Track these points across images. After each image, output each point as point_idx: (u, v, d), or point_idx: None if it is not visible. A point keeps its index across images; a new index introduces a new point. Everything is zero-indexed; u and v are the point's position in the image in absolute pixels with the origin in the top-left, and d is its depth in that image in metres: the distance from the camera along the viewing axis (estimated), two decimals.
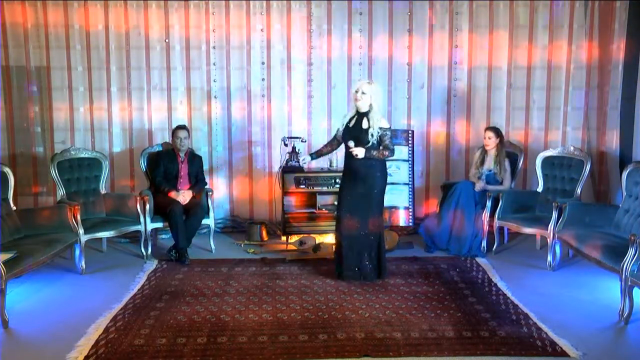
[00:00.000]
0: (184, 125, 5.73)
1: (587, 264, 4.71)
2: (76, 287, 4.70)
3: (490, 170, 5.65)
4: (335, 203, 5.83)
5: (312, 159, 5.01)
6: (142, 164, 5.78)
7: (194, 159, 5.73)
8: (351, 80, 6.26)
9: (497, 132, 5.70)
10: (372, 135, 4.57)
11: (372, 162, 4.62)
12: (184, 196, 5.43)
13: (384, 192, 4.77)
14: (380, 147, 4.60)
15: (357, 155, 4.52)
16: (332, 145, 4.99)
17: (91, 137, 6.26)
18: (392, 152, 4.65)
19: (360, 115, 4.65)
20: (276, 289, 4.55)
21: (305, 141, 6.11)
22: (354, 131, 4.64)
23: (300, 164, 5.34)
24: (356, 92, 4.61)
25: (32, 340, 3.69)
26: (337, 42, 6.26)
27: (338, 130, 4.86)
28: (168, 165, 5.57)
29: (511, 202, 5.48)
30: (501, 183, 5.65)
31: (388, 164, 5.87)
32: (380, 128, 4.58)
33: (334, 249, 4.92)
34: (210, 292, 4.50)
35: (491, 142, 5.66)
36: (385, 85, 6.31)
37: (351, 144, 4.59)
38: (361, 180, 4.64)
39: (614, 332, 3.82)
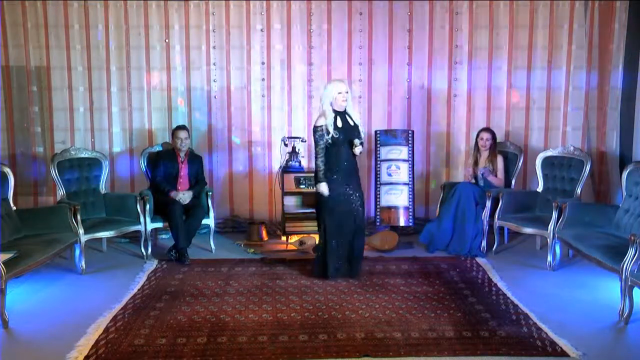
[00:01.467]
0: (184, 126, 5.72)
1: (587, 264, 4.71)
2: (76, 287, 4.70)
3: (485, 167, 5.70)
4: None
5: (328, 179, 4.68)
6: (142, 164, 5.78)
7: (194, 160, 5.72)
8: (351, 81, 6.25)
9: (492, 132, 5.76)
10: (362, 132, 4.76)
11: (356, 158, 4.76)
12: (184, 196, 5.43)
13: None
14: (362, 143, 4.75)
15: (361, 152, 4.65)
16: (326, 155, 4.66)
17: (91, 137, 6.26)
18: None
19: (340, 115, 4.63)
20: (276, 289, 4.55)
21: (305, 141, 6.11)
22: (350, 131, 4.64)
23: (324, 192, 4.65)
24: (339, 93, 4.57)
25: (32, 340, 3.69)
26: (337, 42, 6.26)
27: (326, 136, 4.56)
28: (168, 165, 5.56)
29: (511, 202, 5.49)
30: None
31: (387, 164, 5.93)
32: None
33: (319, 250, 4.81)
34: (210, 292, 4.50)
35: (487, 143, 5.70)
36: (385, 85, 6.31)
37: (357, 141, 4.59)
38: (356, 178, 4.77)
39: (614, 332, 3.82)
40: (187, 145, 5.64)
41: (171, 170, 5.55)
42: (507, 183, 5.80)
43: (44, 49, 6.08)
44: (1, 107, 6.10)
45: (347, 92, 4.60)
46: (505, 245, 5.77)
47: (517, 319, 3.94)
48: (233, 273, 4.96)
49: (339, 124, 4.61)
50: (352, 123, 4.68)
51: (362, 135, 4.78)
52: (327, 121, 4.59)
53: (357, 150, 4.61)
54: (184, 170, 5.61)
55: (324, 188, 4.64)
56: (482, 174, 5.68)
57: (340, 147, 4.63)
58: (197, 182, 5.67)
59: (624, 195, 4.82)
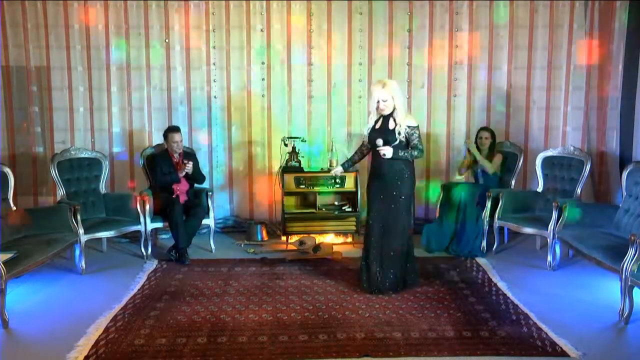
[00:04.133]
0: (177, 127, 5.64)
1: (587, 264, 4.71)
2: (76, 287, 4.70)
3: (482, 167, 5.72)
4: (336, 203, 5.89)
5: (345, 168, 4.75)
6: (142, 164, 5.77)
7: (189, 158, 5.64)
8: (351, 81, 6.26)
9: (491, 132, 5.80)
10: (399, 133, 4.31)
11: (402, 163, 4.36)
12: (189, 167, 5.42)
13: (412, 197, 4.54)
14: (409, 147, 4.34)
15: (384, 155, 4.25)
16: (362, 152, 4.71)
17: (91, 137, 6.26)
18: (422, 151, 4.40)
19: (385, 117, 4.42)
20: (276, 289, 4.55)
21: (305, 141, 6.11)
22: (381, 132, 4.37)
23: (336, 174, 4.83)
24: (377, 102, 4.31)
25: (32, 340, 3.69)
26: (337, 42, 6.26)
27: (364, 136, 4.58)
28: (165, 168, 5.52)
29: (511, 202, 5.49)
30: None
31: None
32: (408, 126, 4.32)
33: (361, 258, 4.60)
34: (210, 292, 4.50)
35: (487, 142, 5.72)
36: None
37: (379, 142, 4.30)
38: (390, 184, 4.37)
39: (614, 332, 3.82)
40: (182, 147, 5.60)
41: (169, 173, 5.52)
42: (507, 183, 5.80)
43: (44, 49, 6.08)
44: (1, 107, 6.10)
45: (384, 101, 4.28)
46: (505, 245, 5.77)
47: (517, 319, 3.94)
48: (233, 273, 4.96)
49: (378, 125, 4.44)
50: (391, 126, 4.35)
51: (401, 137, 4.32)
52: (369, 122, 4.48)
53: (380, 152, 4.26)
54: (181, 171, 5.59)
55: (336, 169, 4.76)
56: (467, 147, 5.72)
57: (372, 149, 4.47)
58: (197, 179, 5.68)
59: (624, 195, 4.81)
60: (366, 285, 4.47)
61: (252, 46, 6.24)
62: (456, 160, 6.28)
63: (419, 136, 4.39)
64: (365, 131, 4.52)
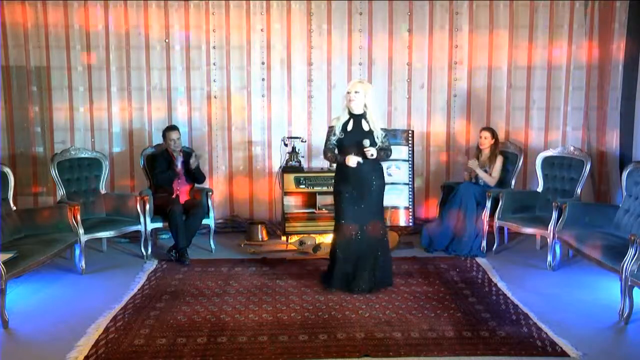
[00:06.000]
0: (175, 126, 5.69)
1: (587, 264, 4.71)
2: (76, 287, 4.70)
3: (484, 168, 5.69)
4: None
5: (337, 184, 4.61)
6: (142, 164, 5.77)
7: (188, 157, 5.67)
8: (351, 80, 6.26)
9: (492, 132, 5.78)
10: (377, 137, 4.38)
11: (377, 164, 4.46)
12: (193, 160, 5.51)
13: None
14: (383, 148, 4.43)
15: (372, 155, 4.28)
16: (335, 153, 4.57)
17: (91, 137, 6.26)
18: (391, 152, 4.60)
19: (355, 118, 4.40)
20: (276, 289, 4.55)
21: (305, 141, 6.12)
22: (358, 134, 4.36)
23: (351, 161, 4.48)
24: (348, 92, 4.38)
25: (32, 340, 3.69)
26: (337, 42, 6.26)
27: (332, 138, 4.47)
28: (165, 167, 5.53)
29: (511, 202, 5.48)
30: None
31: (387, 163, 5.89)
32: (381, 128, 4.46)
33: (330, 255, 4.61)
34: (210, 292, 4.50)
35: (486, 142, 5.71)
36: (385, 85, 6.32)
37: (366, 143, 4.29)
38: (369, 185, 4.41)
39: (614, 332, 3.82)
40: (180, 145, 5.63)
41: (169, 171, 5.53)
42: (507, 183, 5.80)
43: (44, 49, 6.08)
44: (1, 107, 6.10)
45: (356, 92, 4.33)
46: (505, 245, 5.77)
47: (517, 319, 3.94)
48: (233, 273, 4.96)
49: (349, 127, 4.41)
50: (366, 128, 4.37)
51: (380, 141, 4.40)
52: (339, 123, 4.43)
53: (368, 152, 4.27)
54: (180, 169, 5.59)
55: (349, 158, 4.30)
56: (469, 167, 5.71)
57: (346, 152, 4.37)
58: (197, 178, 5.68)
59: (624, 195, 4.81)
60: (337, 285, 4.46)
61: (252, 46, 6.24)
62: (461, 163, 6.29)
63: (387, 137, 4.57)
64: (337, 132, 4.41)
